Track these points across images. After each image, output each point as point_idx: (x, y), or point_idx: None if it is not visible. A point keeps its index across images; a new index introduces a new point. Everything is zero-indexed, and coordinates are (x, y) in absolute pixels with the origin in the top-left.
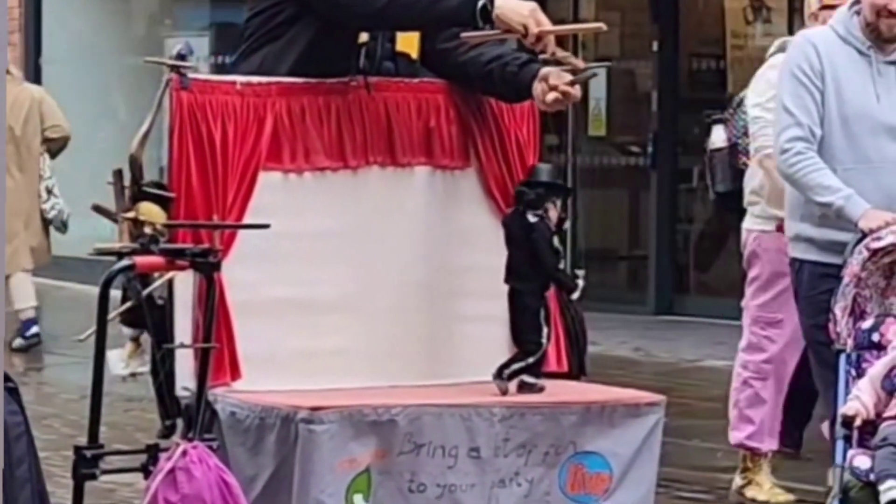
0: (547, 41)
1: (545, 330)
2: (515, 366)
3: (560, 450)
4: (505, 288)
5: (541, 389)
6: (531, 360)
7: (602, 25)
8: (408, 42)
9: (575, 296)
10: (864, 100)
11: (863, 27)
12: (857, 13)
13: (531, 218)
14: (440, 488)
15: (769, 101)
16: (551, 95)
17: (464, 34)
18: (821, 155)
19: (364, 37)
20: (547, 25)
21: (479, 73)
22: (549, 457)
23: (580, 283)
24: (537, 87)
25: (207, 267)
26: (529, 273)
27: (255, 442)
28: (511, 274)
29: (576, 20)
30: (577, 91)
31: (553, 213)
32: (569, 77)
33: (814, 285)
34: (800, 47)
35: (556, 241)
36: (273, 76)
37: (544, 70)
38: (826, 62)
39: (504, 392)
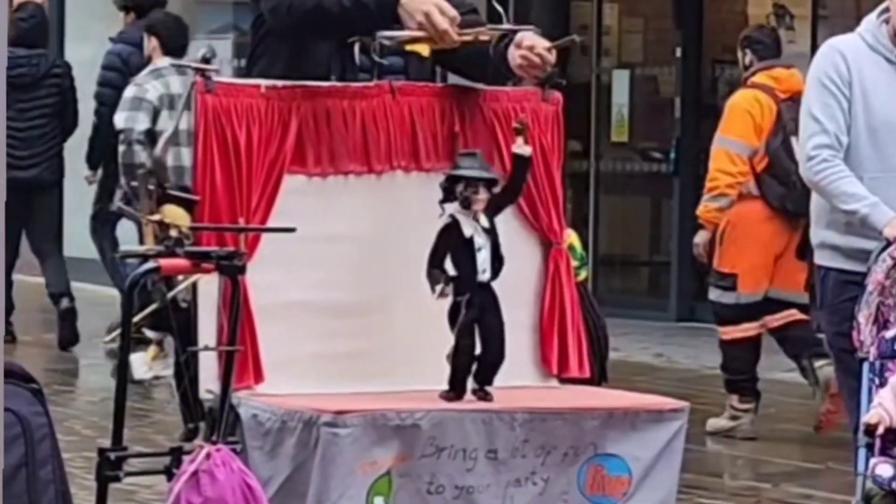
0: (450, 38)
1: (457, 339)
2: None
3: (579, 451)
4: (529, 293)
5: (490, 397)
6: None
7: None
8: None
9: (434, 296)
10: (892, 108)
11: (891, 35)
12: (886, 21)
13: (446, 219)
14: (458, 490)
15: None
16: (519, 58)
17: (383, 33)
18: (847, 163)
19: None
20: (442, 24)
21: (482, 51)
22: (567, 457)
23: (437, 287)
24: (513, 52)
25: (233, 270)
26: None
27: (274, 445)
28: None
29: (599, 26)
30: (551, 58)
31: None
32: (545, 42)
33: (838, 293)
34: (827, 55)
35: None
36: None
37: (519, 35)
38: (854, 70)
39: (449, 400)
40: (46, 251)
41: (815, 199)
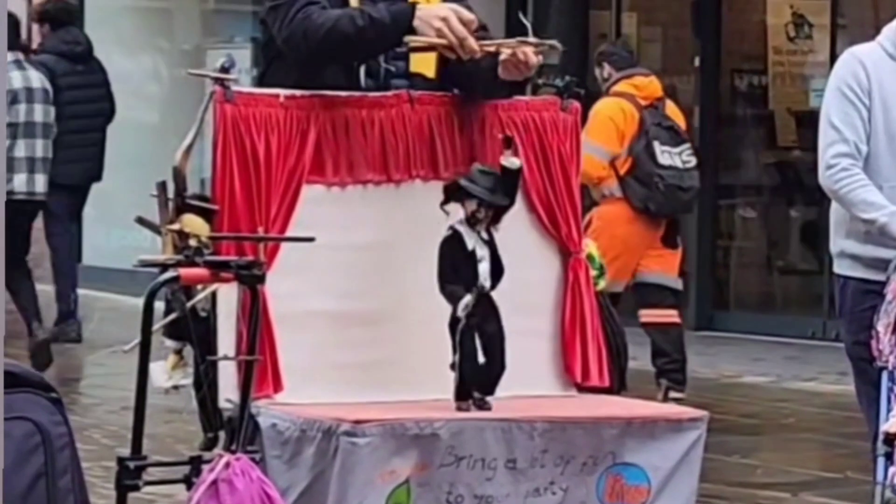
0: (470, 45)
1: (460, 348)
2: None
3: (598, 460)
4: (549, 302)
5: (488, 407)
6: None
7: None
8: (424, 63)
9: (458, 313)
10: None
11: None
12: None
13: (446, 231)
14: (477, 499)
15: None
16: (504, 54)
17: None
18: (866, 172)
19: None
20: (460, 30)
21: (490, 65)
22: (586, 467)
23: (462, 304)
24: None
25: (252, 279)
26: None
27: (293, 454)
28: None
29: (617, 35)
30: (534, 58)
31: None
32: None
33: (857, 302)
34: (847, 64)
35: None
36: None
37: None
38: (874, 79)
39: (466, 410)
40: None
41: (834, 208)
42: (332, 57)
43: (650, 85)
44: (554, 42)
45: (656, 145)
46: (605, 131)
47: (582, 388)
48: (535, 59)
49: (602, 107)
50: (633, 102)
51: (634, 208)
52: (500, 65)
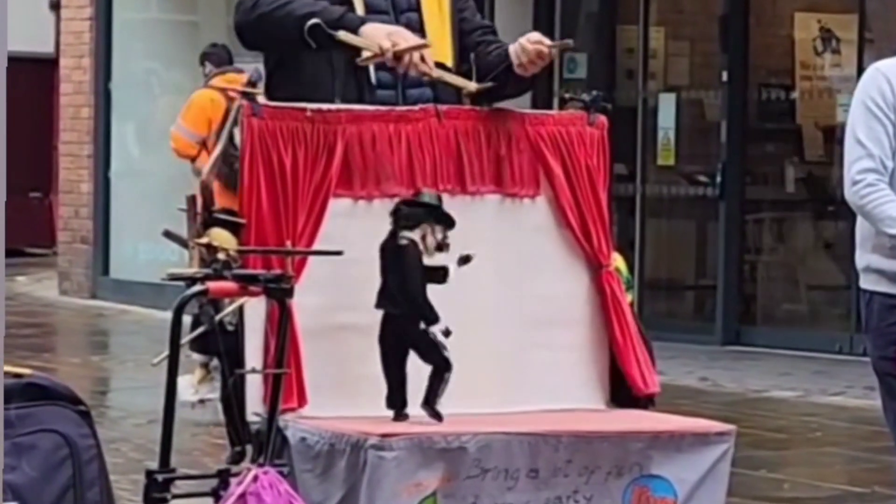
0: (411, 61)
1: (417, 359)
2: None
3: (623, 471)
4: (579, 315)
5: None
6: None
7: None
8: (441, 52)
9: (435, 329)
10: None
11: None
12: None
13: (402, 241)
14: None
15: None
16: (519, 46)
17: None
18: (892, 187)
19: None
20: (404, 45)
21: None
22: (611, 476)
23: (444, 328)
24: (516, 46)
25: (280, 293)
26: (399, 298)
27: (325, 468)
28: (382, 298)
29: (645, 50)
30: (548, 52)
31: (430, 240)
32: (546, 41)
33: (883, 317)
34: (872, 79)
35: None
36: None
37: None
38: None
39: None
40: None
41: (860, 223)
42: (273, 34)
43: (239, 79)
44: (561, 42)
45: (236, 131)
46: (196, 117)
47: (632, 398)
48: (547, 54)
49: (197, 97)
50: (224, 94)
51: (223, 183)
52: (516, 54)
